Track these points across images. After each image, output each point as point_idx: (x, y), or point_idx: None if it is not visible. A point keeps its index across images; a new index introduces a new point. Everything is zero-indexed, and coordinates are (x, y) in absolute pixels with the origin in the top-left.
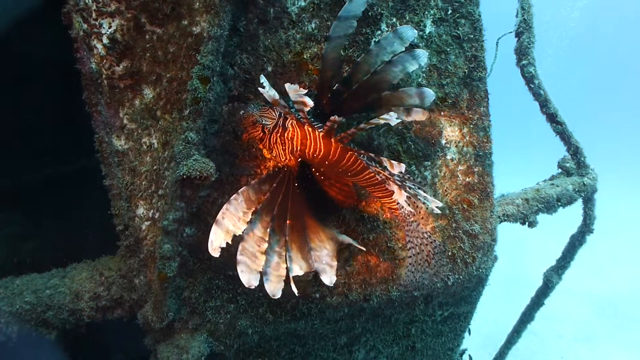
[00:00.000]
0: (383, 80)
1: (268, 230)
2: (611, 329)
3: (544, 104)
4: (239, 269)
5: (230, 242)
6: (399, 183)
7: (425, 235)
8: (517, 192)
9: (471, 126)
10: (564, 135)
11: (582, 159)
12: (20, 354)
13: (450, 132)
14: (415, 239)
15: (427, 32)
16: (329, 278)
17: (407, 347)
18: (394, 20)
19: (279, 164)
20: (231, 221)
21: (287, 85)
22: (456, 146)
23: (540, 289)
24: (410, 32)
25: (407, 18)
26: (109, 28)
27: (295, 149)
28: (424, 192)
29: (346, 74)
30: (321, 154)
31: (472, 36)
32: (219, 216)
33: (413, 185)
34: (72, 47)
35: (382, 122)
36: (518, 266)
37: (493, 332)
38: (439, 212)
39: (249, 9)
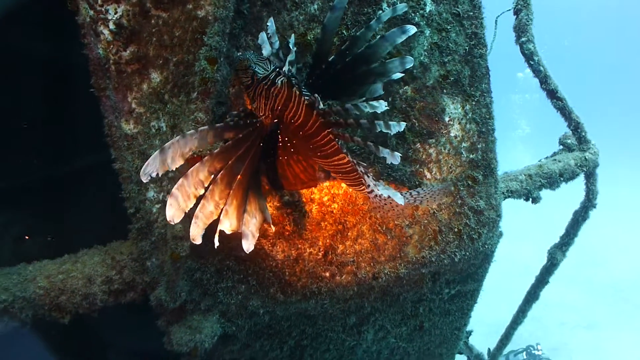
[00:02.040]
0: (374, 54)
1: (211, 176)
2: (613, 315)
3: (544, 80)
4: (169, 201)
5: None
6: (366, 174)
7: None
8: (519, 169)
9: (473, 103)
10: (565, 111)
11: (583, 134)
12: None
13: (453, 110)
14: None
15: (427, 10)
16: (249, 245)
17: (415, 327)
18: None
19: (256, 117)
20: (173, 154)
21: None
22: (459, 123)
23: (545, 266)
24: (401, 7)
25: (406, 9)
26: (115, 14)
27: (275, 107)
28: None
29: (344, 47)
30: (299, 121)
31: (471, 13)
32: (167, 145)
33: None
34: (80, 34)
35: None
36: (519, 254)
37: (497, 320)
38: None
39: None
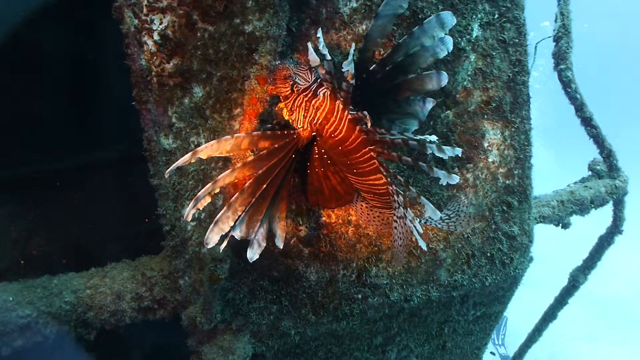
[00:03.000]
0: (414, 63)
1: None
2: (612, 329)
3: (579, 107)
4: (192, 203)
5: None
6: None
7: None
8: (550, 194)
9: (513, 129)
10: (598, 139)
11: (615, 161)
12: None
13: (493, 136)
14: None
15: (474, 35)
16: (253, 253)
17: (438, 346)
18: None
19: (293, 129)
20: (208, 152)
21: (350, 55)
22: (498, 149)
23: (566, 288)
24: (450, 19)
25: (456, 21)
26: (160, 24)
27: (316, 120)
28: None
29: (385, 55)
30: (340, 136)
31: (517, 40)
32: (200, 148)
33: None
34: (123, 43)
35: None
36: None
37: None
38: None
39: (302, 9)
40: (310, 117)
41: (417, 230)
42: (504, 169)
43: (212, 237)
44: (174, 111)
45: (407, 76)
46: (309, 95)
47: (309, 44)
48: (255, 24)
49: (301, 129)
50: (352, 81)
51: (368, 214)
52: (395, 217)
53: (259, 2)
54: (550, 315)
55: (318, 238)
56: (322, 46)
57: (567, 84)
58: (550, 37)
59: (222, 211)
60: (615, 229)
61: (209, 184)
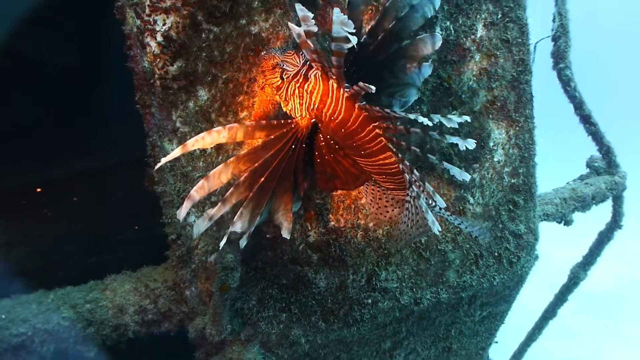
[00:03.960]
0: (405, 28)
1: (234, 178)
2: (596, 325)
3: (579, 105)
4: (186, 203)
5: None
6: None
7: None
8: (551, 192)
9: (517, 128)
10: (597, 136)
11: (613, 158)
12: None
13: (498, 135)
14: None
15: (478, 35)
16: (245, 241)
17: (444, 349)
18: (448, 23)
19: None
20: (199, 145)
21: (336, 12)
22: (503, 148)
23: (566, 285)
24: None
25: (460, 22)
26: (164, 25)
27: (312, 106)
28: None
29: (374, 23)
30: (339, 118)
31: (519, 40)
32: (190, 141)
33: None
34: (124, 44)
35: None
36: None
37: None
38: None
39: (310, 10)
40: (305, 103)
41: (430, 212)
42: (510, 168)
43: (201, 230)
44: (178, 115)
45: (401, 43)
46: (300, 80)
47: (290, 23)
48: (262, 25)
49: (299, 118)
50: (344, 54)
51: (379, 200)
52: (408, 197)
53: (265, 2)
54: (550, 312)
55: (327, 243)
56: (309, 23)
57: (567, 83)
58: (548, 36)
59: (217, 206)
60: (614, 224)
61: (201, 181)
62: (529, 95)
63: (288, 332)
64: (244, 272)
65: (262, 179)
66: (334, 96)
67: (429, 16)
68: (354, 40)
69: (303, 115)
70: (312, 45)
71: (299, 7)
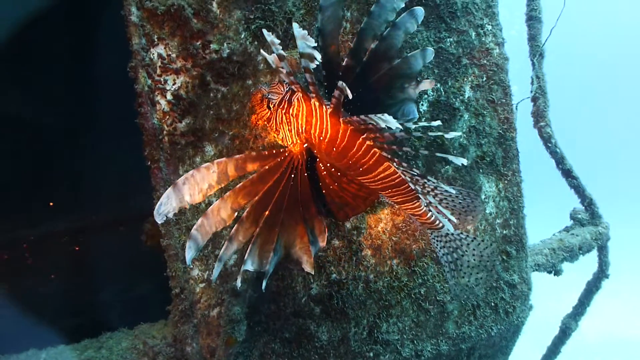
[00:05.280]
0: (390, 46)
1: (235, 214)
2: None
3: (560, 161)
4: (188, 244)
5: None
6: (420, 185)
7: (461, 236)
8: (538, 244)
9: (506, 182)
10: (579, 189)
11: (596, 209)
12: None
13: (488, 188)
14: (449, 244)
15: (466, 96)
16: (265, 283)
17: None
18: (439, 85)
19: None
20: (190, 190)
21: (295, 27)
22: (494, 201)
23: (558, 336)
24: None
25: (450, 84)
26: (174, 84)
27: (300, 128)
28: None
29: (353, 44)
30: (328, 136)
31: (503, 100)
32: (180, 180)
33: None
34: (135, 102)
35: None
36: None
37: None
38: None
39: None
40: (294, 127)
41: (445, 213)
42: (501, 220)
43: (217, 275)
44: (185, 170)
45: (392, 63)
46: (285, 105)
47: (262, 50)
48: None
49: (291, 145)
50: (315, 65)
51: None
52: (424, 204)
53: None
54: None
55: (329, 295)
56: (276, 47)
57: (548, 140)
58: (528, 97)
59: (224, 246)
60: (601, 273)
61: (200, 219)
62: (515, 151)
63: None
64: (247, 326)
65: (267, 213)
66: (318, 114)
67: (412, 31)
68: (318, 55)
69: (294, 142)
70: (285, 69)
71: (265, 32)
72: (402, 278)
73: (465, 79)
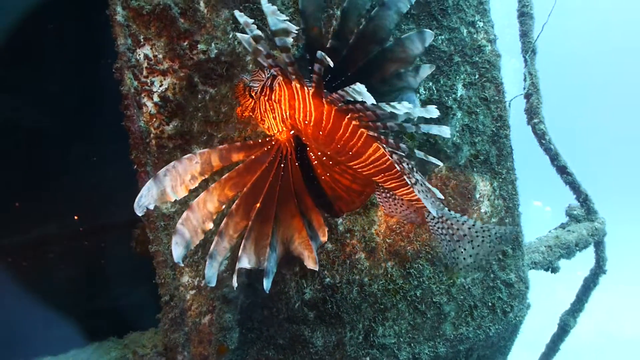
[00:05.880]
0: (380, 27)
1: (223, 207)
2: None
3: (554, 157)
4: (175, 240)
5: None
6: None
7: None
8: (535, 241)
9: (500, 180)
10: (574, 185)
11: (591, 205)
12: None
13: (483, 187)
14: (443, 229)
15: (458, 94)
16: (268, 283)
17: None
18: (430, 84)
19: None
20: (172, 182)
21: (264, 3)
22: (488, 199)
23: (557, 333)
24: None
25: (442, 82)
26: (160, 86)
27: (284, 114)
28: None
29: (336, 25)
30: (313, 119)
31: (496, 98)
32: (161, 172)
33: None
34: (121, 104)
35: (398, 110)
36: None
37: None
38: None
39: None
40: (278, 114)
41: (428, 203)
42: (496, 219)
43: (211, 274)
44: None
45: (383, 45)
46: (267, 92)
47: (237, 33)
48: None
49: (278, 133)
50: (290, 48)
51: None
52: (412, 186)
53: (260, 64)
54: None
55: (323, 300)
56: (251, 28)
57: (542, 136)
58: (521, 94)
59: (214, 241)
60: (599, 269)
61: (185, 212)
62: (509, 149)
63: None
64: (239, 333)
65: (258, 205)
66: (300, 97)
67: (404, 11)
68: (292, 28)
69: (281, 130)
70: (263, 50)
71: (237, 13)
72: (397, 280)
73: (458, 77)
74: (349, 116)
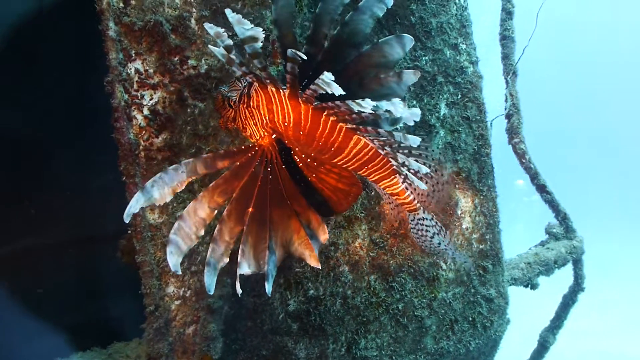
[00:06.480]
0: (355, 32)
1: (214, 213)
2: None
3: (534, 176)
4: (169, 249)
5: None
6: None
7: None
8: (515, 258)
9: (482, 197)
10: (553, 204)
11: (570, 223)
12: None
13: (464, 203)
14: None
15: (441, 113)
16: (270, 287)
17: None
18: (415, 102)
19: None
20: (159, 190)
21: (229, 13)
22: (470, 216)
23: (536, 350)
24: None
25: (425, 101)
26: (151, 100)
27: (264, 119)
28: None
29: (309, 31)
30: (292, 120)
31: (478, 117)
32: (148, 183)
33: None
34: (112, 117)
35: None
36: None
37: None
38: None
39: None
40: (258, 121)
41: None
42: (477, 235)
43: (211, 282)
44: None
45: (359, 49)
46: (245, 100)
47: (210, 45)
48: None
49: (260, 139)
50: (260, 54)
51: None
52: (398, 167)
53: None
54: None
55: (307, 312)
56: (223, 38)
57: (522, 155)
58: (502, 115)
59: (211, 249)
60: (577, 287)
61: (177, 222)
62: (490, 167)
63: None
64: (223, 343)
65: (250, 209)
66: (277, 100)
67: (380, 15)
68: (259, 34)
69: (263, 135)
70: (236, 59)
71: (207, 25)
72: (380, 294)
73: (441, 97)
74: (325, 113)
